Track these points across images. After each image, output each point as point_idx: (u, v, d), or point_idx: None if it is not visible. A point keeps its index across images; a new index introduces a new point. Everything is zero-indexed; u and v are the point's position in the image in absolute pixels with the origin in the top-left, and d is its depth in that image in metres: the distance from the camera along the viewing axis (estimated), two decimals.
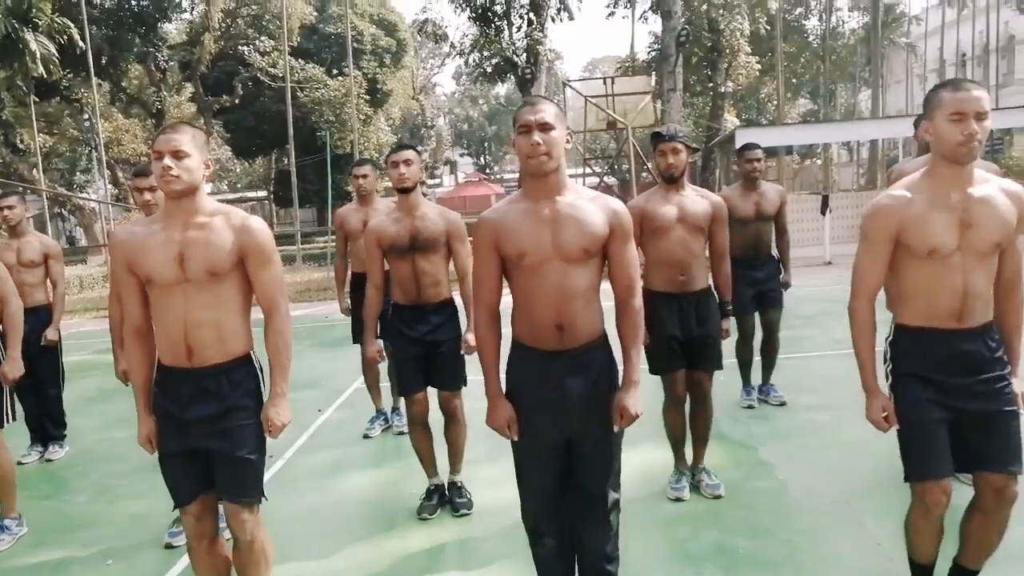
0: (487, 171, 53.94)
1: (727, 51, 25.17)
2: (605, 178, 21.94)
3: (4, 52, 22.20)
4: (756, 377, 5.53)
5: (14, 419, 4.23)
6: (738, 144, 16.57)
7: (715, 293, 4.00)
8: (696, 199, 3.85)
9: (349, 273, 5.55)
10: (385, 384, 5.57)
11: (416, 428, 4.03)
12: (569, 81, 24.06)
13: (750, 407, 5.39)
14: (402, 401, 5.43)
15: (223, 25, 29.05)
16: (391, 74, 33.71)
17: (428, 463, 4.10)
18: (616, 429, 2.56)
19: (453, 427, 4.03)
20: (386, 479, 4.66)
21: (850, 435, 4.53)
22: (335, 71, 28.71)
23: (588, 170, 21.45)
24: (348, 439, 5.44)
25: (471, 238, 2.84)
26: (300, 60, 28.10)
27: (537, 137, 2.38)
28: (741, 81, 28.22)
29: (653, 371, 3.91)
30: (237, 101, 28.99)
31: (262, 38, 29.25)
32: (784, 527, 3.60)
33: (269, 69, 28.07)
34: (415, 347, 3.92)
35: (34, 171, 25.06)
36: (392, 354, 4.49)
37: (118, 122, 32.44)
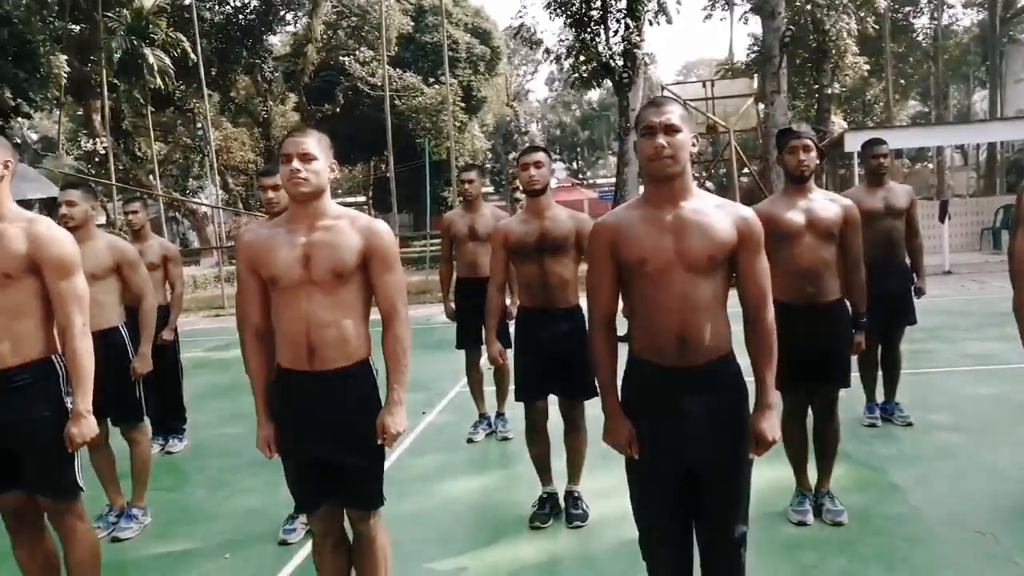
0: (580, 176, 53.76)
1: (833, 52, 24.22)
2: (703, 184, 21.45)
3: (124, 67, 23.59)
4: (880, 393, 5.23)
5: (148, 413, 4.40)
6: (847, 147, 15.98)
7: (846, 304, 3.78)
8: (825, 203, 3.64)
9: (454, 277, 5.56)
10: (489, 388, 5.55)
11: (534, 434, 3.97)
12: (666, 85, 23.69)
13: (872, 425, 5.09)
14: (507, 406, 5.43)
15: (325, 37, 29.97)
16: (485, 81, 34.02)
17: (544, 471, 4.02)
18: (752, 457, 2.40)
19: (575, 435, 3.94)
20: (493, 485, 4.62)
21: (991, 460, 4.22)
22: (431, 79, 29.19)
23: None
24: (452, 443, 5.44)
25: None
26: (398, 69, 28.69)
27: (662, 140, 2.25)
28: (848, 83, 27.13)
29: (776, 387, 3.72)
30: (338, 110, 29.85)
31: (362, 48, 30.03)
32: (922, 558, 3.35)
33: (368, 78, 28.77)
34: (540, 353, 3.85)
35: (151, 177, 26.47)
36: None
37: (227, 131, 33.97)
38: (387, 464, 4.84)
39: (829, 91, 25.21)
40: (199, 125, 30.84)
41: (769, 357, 2.42)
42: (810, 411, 3.78)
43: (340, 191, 49.69)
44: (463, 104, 29.95)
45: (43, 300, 2.80)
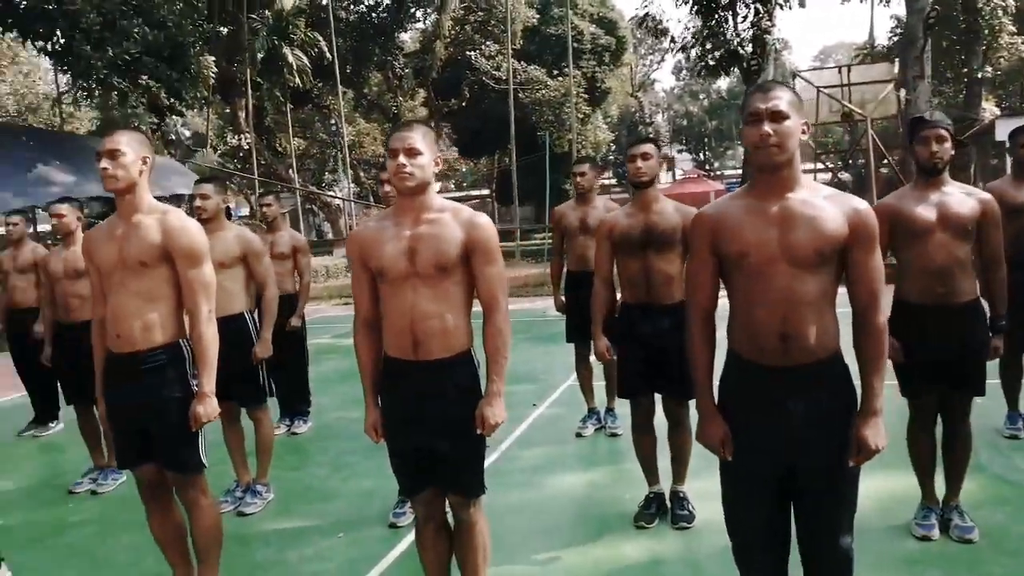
0: (707, 167, 52.37)
1: (986, 32, 22.42)
2: (839, 174, 20.39)
3: (267, 66, 24.99)
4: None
5: (271, 394, 4.66)
6: (999, 136, 14.75)
7: (983, 305, 3.50)
8: (961, 197, 3.38)
9: (565, 271, 5.55)
10: (599, 383, 5.52)
11: (639, 432, 3.92)
12: (799, 71, 22.68)
13: (1015, 437, 4.70)
14: (617, 402, 5.37)
15: (452, 32, 30.60)
16: (610, 72, 33.71)
17: (650, 469, 3.97)
18: (851, 464, 2.26)
19: (680, 433, 3.85)
20: (599, 481, 4.60)
21: None
22: (555, 71, 29.22)
23: (820, 165, 20.09)
24: (561, 436, 5.45)
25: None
26: (522, 62, 28.90)
27: (767, 127, 2.15)
28: (1002, 65, 25.06)
29: (904, 392, 3.51)
30: (464, 104, 30.42)
31: (487, 42, 30.43)
32: None
33: (493, 72, 29.14)
34: (643, 349, 3.78)
35: (290, 171, 27.93)
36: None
37: (360, 126, 35.38)
38: (495, 455, 4.96)
39: (980, 75, 23.35)
40: (333, 121, 32.28)
41: (877, 362, 2.27)
42: (941, 419, 3.53)
43: (465, 184, 50.74)
44: (586, 96, 29.79)
45: (174, 287, 3.02)
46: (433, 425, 2.69)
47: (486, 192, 44.83)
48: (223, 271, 4.18)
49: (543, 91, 28.77)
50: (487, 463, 4.73)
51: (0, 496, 4.84)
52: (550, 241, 6.91)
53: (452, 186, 52.66)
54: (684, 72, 46.08)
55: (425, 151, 2.64)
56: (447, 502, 2.87)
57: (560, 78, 28.26)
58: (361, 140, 34.29)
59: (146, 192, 3.06)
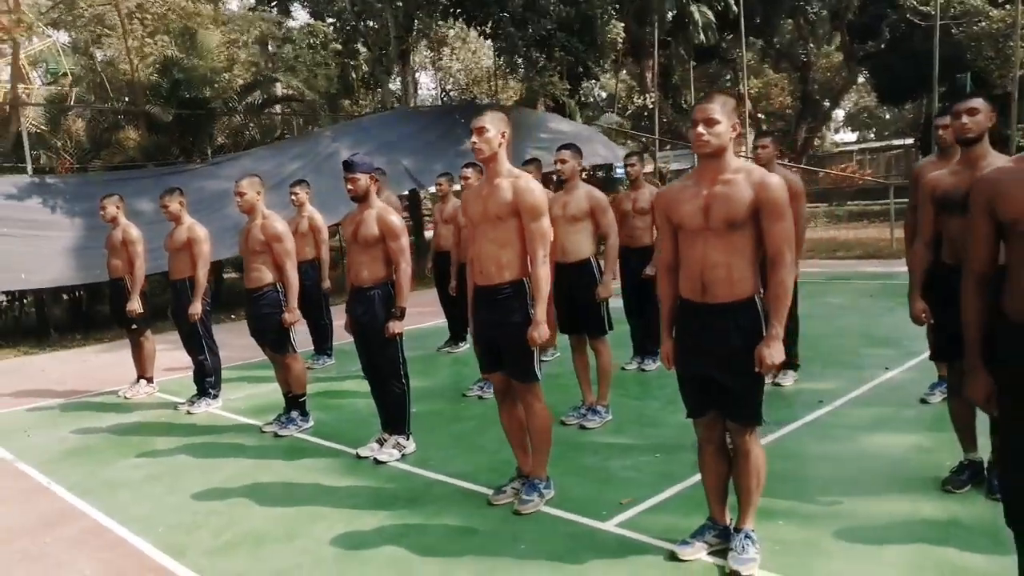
0: None
1: None
2: None
3: (674, 24, 25.70)
4: None
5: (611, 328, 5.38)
6: None
7: None
8: None
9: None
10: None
11: (957, 399, 3.82)
12: None
13: None
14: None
15: None
16: None
17: (966, 436, 3.85)
18: None
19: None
20: (924, 444, 4.49)
21: None
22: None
23: None
24: (903, 399, 5.31)
25: None
26: None
27: None
28: None
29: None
30: (883, 46, 27.73)
31: None
32: None
33: (919, 7, 25.99)
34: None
35: (687, 129, 28.45)
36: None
37: (769, 77, 34.40)
38: (826, 408, 5.11)
39: None
40: (740, 74, 31.85)
41: None
42: None
43: (887, 132, 46.11)
44: None
45: (520, 236, 3.84)
46: (715, 359, 3.11)
47: (910, 141, 40.31)
48: (574, 224, 5.08)
49: (983, 23, 24.87)
50: (814, 415, 4.96)
51: (419, 391, 6.32)
52: None
53: (872, 136, 48.30)
54: None
55: (723, 120, 3.02)
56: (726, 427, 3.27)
57: (1007, 6, 24.14)
58: (768, 91, 33.37)
59: (504, 160, 3.90)
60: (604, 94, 35.73)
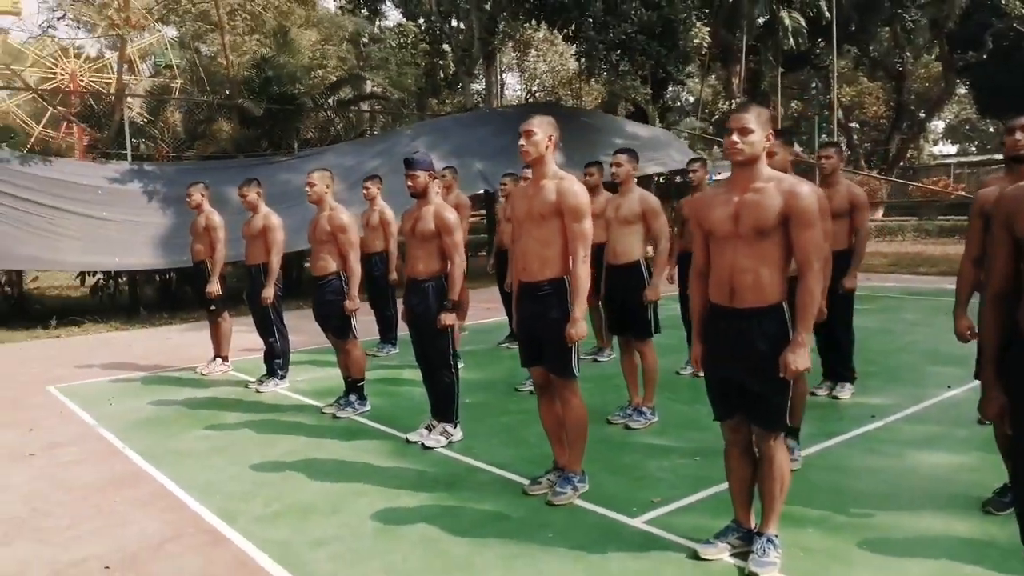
0: None
1: None
2: None
3: (765, 30, 25.25)
4: None
5: (657, 331, 5.43)
6: None
7: None
8: None
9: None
10: None
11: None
12: None
13: None
14: None
15: None
16: None
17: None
18: None
19: None
20: (971, 464, 4.38)
21: None
22: None
23: None
24: (959, 419, 5.17)
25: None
26: None
27: None
28: None
29: None
30: (985, 56, 26.52)
31: None
32: None
33: None
34: None
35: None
36: None
37: (862, 86, 33.33)
38: (878, 423, 5.05)
39: None
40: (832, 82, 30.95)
41: None
42: None
43: (990, 146, 43.93)
44: None
45: (562, 236, 3.95)
46: (742, 363, 3.17)
47: None
48: (625, 226, 5.20)
49: None
50: (864, 430, 4.91)
51: (474, 383, 6.55)
52: None
53: (974, 149, 46.16)
54: None
55: (757, 129, 3.07)
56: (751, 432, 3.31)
57: None
58: (862, 100, 32.31)
59: (551, 162, 4.02)
60: (692, 99, 35.35)
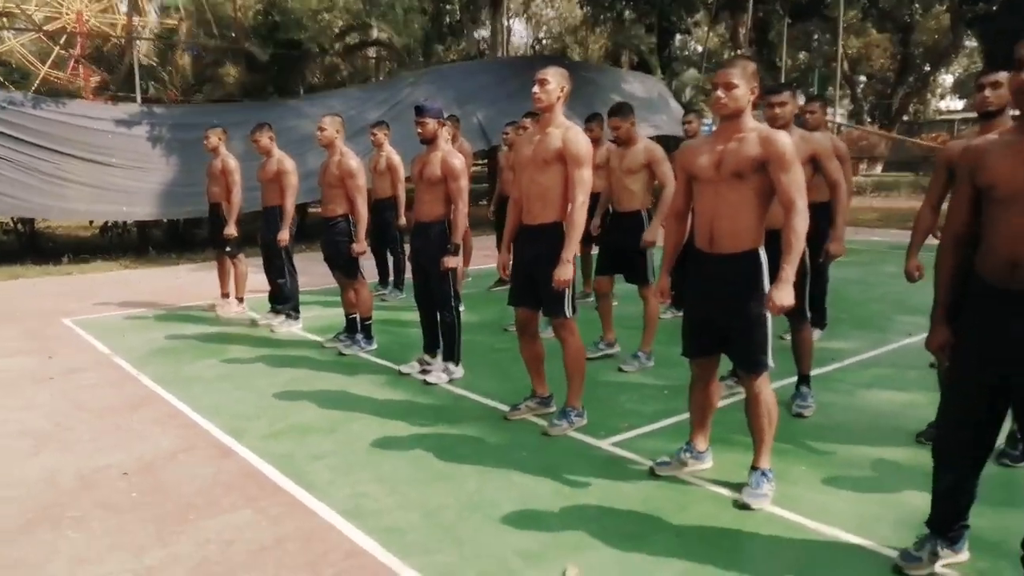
0: None
1: None
2: None
3: None
4: None
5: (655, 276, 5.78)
6: None
7: None
8: None
9: None
10: None
11: None
12: None
13: None
14: None
15: None
16: None
17: None
18: None
19: None
20: (919, 402, 4.74)
21: None
22: None
23: None
24: (913, 363, 5.57)
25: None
26: None
27: None
28: None
29: None
30: (994, 7, 26.19)
31: None
32: None
33: None
34: None
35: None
36: None
37: (870, 38, 32.97)
38: (833, 366, 5.40)
39: None
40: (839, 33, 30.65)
41: None
42: None
43: None
44: None
45: (563, 181, 4.18)
46: (719, 305, 3.44)
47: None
48: (629, 176, 5.57)
49: None
50: (830, 368, 5.18)
51: (466, 324, 6.87)
52: None
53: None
54: None
55: (741, 84, 3.29)
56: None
57: None
58: (868, 53, 32.01)
59: (559, 112, 4.25)
60: (700, 48, 35.06)
